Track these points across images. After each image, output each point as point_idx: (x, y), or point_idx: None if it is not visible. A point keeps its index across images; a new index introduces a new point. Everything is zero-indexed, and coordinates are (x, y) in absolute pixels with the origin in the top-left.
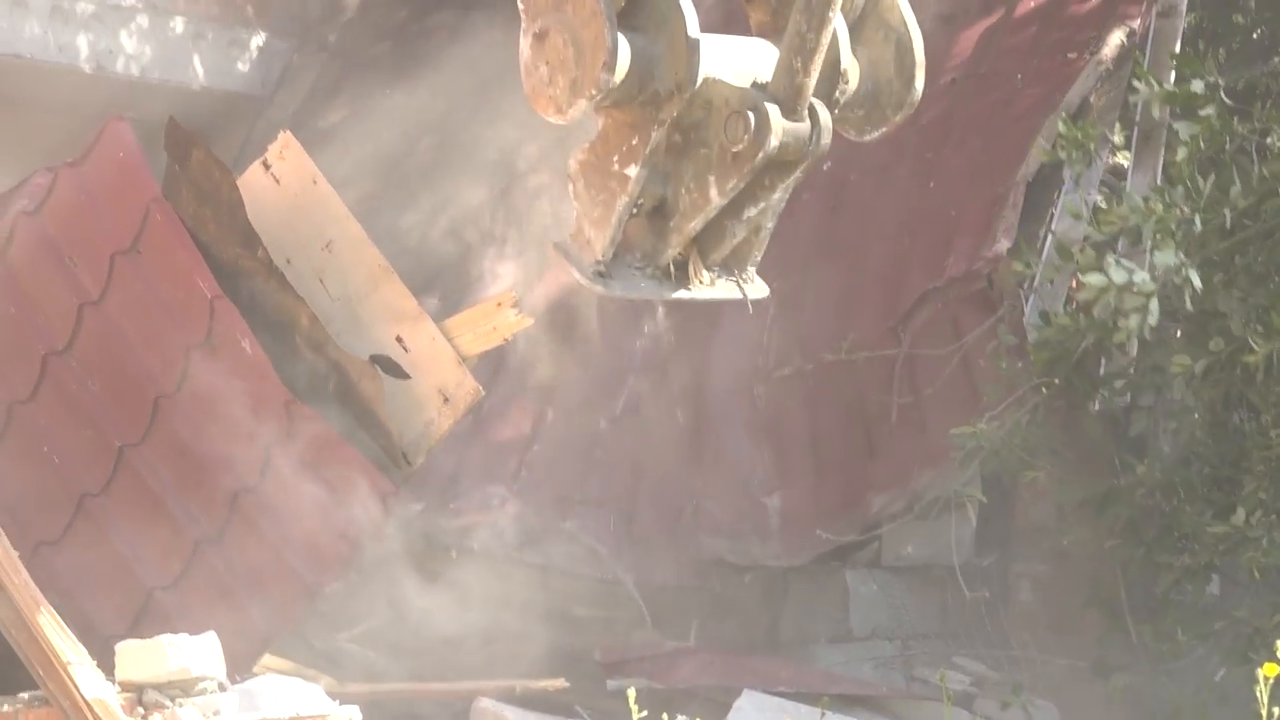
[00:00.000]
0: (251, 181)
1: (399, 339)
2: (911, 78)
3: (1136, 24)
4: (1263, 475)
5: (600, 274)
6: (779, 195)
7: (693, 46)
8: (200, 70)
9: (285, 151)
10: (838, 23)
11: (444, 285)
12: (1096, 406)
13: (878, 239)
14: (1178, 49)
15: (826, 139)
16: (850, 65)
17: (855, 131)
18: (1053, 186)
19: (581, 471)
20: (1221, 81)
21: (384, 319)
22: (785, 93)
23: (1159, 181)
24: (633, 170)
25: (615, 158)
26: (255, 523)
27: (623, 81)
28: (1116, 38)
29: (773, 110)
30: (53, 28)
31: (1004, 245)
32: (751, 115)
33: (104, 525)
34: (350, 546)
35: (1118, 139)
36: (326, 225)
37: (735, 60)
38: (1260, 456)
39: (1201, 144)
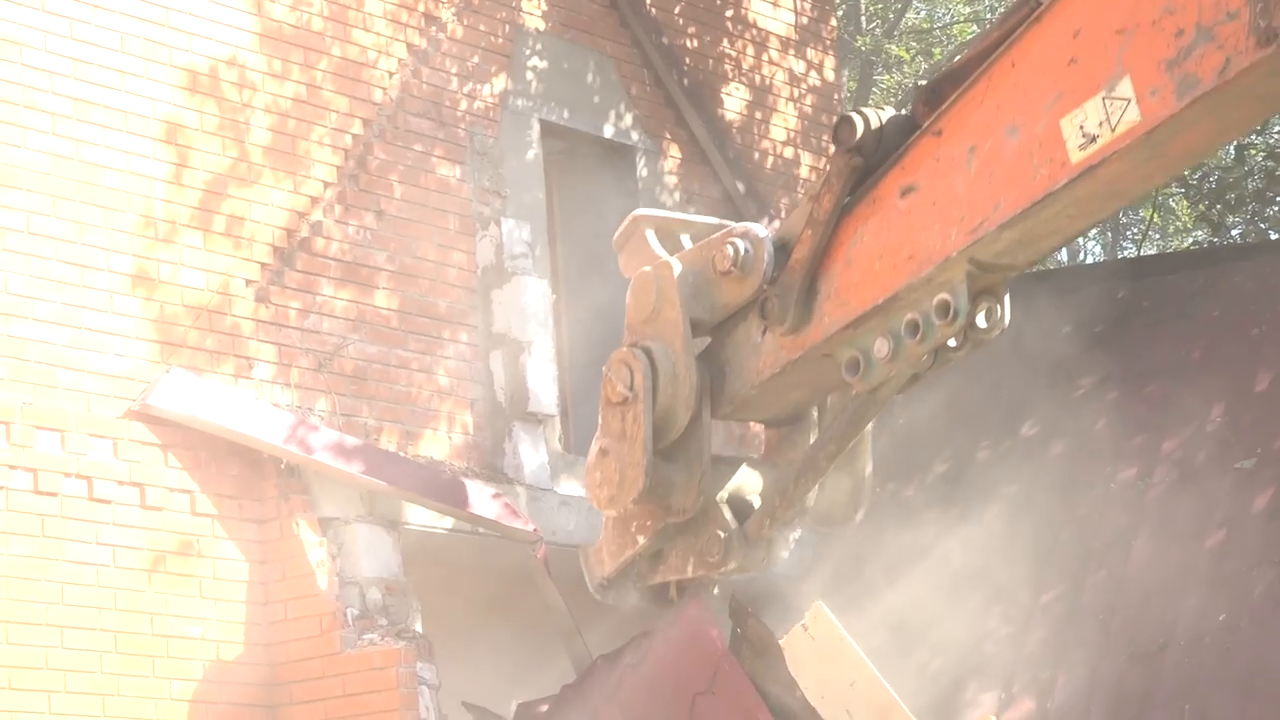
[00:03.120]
0: (793, 640)
1: None
2: (857, 508)
3: None
4: None
5: (603, 587)
6: (735, 576)
7: (703, 489)
8: None
9: (817, 617)
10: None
11: (939, 710)
12: None
13: None
14: None
15: (774, 563)
16: (813, 501)
17: (810, 525)
18: None
19: None
20: None
21: None
22: (752, 532)
23: None
24: (641, 540)
25: (634, 525)
26: None
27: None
28: None
29: (738, 542)
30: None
31: None
32: (723, 545)
33: None
34: None
35: None
36: (850, 670)
37: (736, 480)
38: None
39: None
